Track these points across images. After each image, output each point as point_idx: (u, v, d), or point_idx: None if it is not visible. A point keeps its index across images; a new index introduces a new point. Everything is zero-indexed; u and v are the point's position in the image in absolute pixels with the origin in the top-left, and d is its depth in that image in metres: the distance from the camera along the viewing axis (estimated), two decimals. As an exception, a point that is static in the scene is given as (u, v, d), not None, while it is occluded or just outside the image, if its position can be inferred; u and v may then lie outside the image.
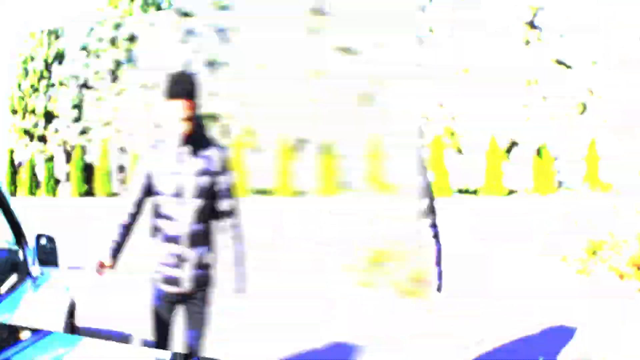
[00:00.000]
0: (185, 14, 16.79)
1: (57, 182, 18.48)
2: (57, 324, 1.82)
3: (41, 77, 19.01)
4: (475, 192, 6.84)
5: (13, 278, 1.55)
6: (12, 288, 1.44)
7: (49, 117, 19.21)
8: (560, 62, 8.36)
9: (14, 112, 20.09)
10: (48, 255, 1.68)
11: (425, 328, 3.35)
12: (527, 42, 8.52)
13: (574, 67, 8.23)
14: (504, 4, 8.27)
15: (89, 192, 18.19)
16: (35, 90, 19.36)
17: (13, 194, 18.39)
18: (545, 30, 8.35)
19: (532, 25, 8.56)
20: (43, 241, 1.73)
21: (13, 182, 18.35)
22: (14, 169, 18.95)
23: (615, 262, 4.16)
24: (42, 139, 20.60)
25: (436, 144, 7.45)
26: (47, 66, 19.13)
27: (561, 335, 3.20)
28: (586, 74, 8.10)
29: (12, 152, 19.17)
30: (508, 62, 8.45)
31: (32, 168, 18.75)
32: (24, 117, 19.27)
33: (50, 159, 18.62)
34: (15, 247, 1.66)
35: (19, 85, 19.20)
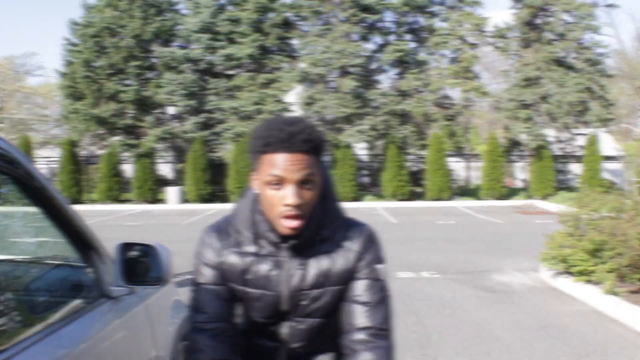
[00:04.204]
0: (366, 9, 15.73)
1: (158, 183, 16.05)
2: (157, 351, 1.60)
3: (130, 57, 16.21)
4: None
5: (75, 303, 1.28)
6: (75, 315, 1.19)
7: (141, 105, 16.39)
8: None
9: (75, 95, 16.61)
10: (146, 269, 1.45)
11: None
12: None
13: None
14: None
15: (214, 195, 15.57)
16: (119, 71, 16.43)
17: (76, 198, 15.04)
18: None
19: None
20: (134, 253, 1.41)
21: (76, 182, 15.65)
22: (77, 167, 15.92)
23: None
24: (130, 131, 16.87)
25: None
26: (142, 44, 16.48)
27: None
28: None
29: (72, 143, 15.98)
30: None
31: (113, 166, 15.84)
32: (96, 103, 16.27)
33: (147, 155, 16.00)
34: (80, 264, 1.34)
35: (86, 63, 16.23)
